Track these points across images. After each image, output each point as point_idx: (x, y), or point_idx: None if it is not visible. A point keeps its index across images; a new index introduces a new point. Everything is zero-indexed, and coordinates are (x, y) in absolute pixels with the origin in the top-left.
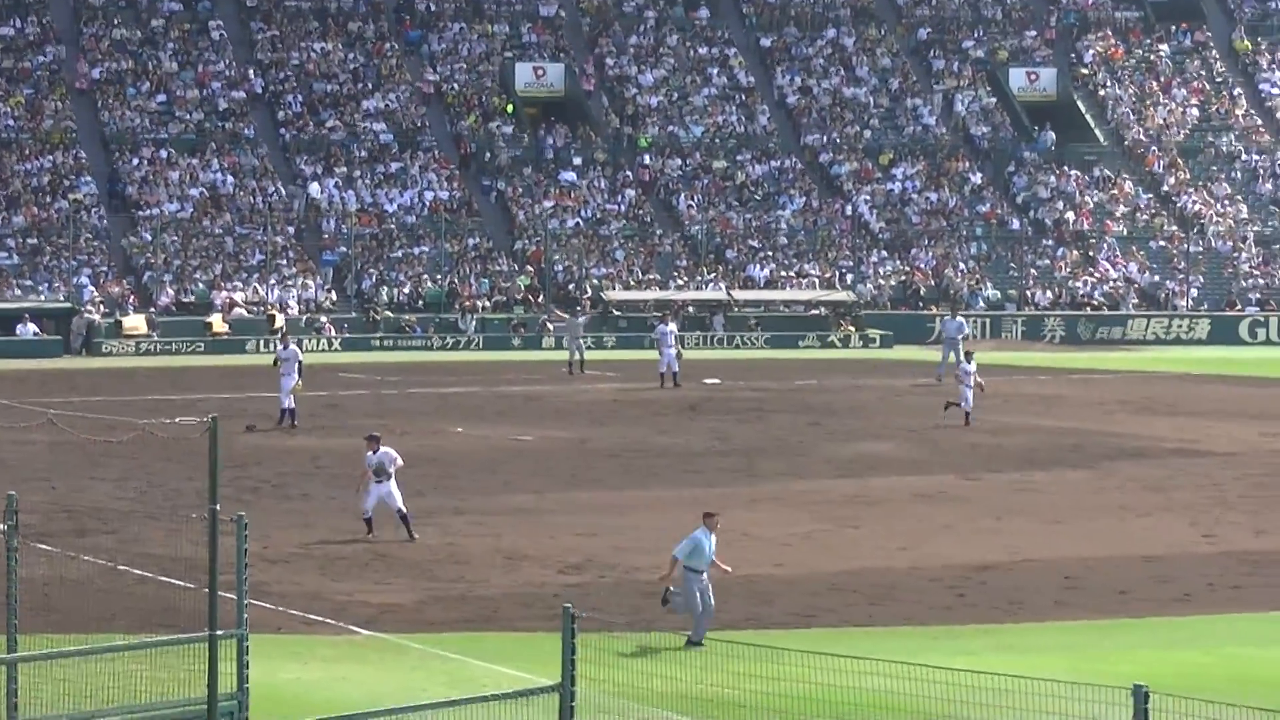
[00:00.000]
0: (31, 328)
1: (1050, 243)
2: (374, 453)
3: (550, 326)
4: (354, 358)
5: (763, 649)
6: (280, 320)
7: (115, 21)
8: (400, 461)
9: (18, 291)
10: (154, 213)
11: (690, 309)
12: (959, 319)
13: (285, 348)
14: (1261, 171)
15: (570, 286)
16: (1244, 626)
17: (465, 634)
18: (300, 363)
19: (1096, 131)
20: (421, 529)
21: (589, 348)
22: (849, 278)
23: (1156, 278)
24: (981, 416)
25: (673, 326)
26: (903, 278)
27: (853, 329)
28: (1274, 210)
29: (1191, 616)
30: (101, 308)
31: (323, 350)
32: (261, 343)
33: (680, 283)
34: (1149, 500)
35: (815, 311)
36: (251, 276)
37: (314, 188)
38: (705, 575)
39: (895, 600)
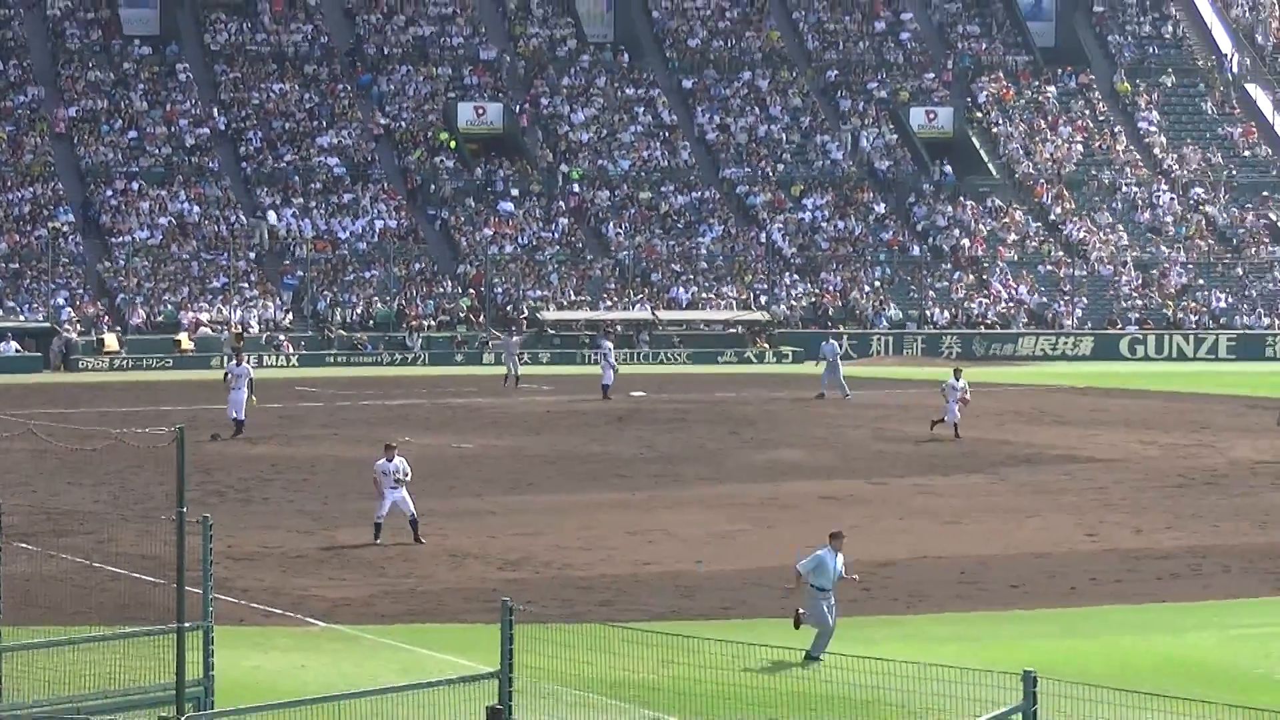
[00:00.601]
0: (13, 345)
1: (948, 267)
2: (389, 460)
3: (490, 344)
4: (310, 372)
5: (685, 639)
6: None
7: (90, 64)
8: (409, 473)
9: (1, 312)
10: (126, 240)
11: (618, 328)
12: (833, 342)
13: (238, 364)
14: (1140, 202)
15: (508, 307)
16: (1125, 617)
17: (413, 626)
18: (251, 379)
19: (989, 165)
20: (371, 530)
21: (524, 363)
22: (763, 299)
23: (1044, 299)
24: (886, 425)
25: (611, 344)
26: (813, 299)
27: (767, 346)
28: (1151, 237)
29: (1077, 608)
30: (78, 327)
31: (281, 366)
32: (224, 359)
33: (609, 304)
34: (1038, 502)
35: (733, 330)
36: (216, 298)
37: (272, 216)
38: (832, 593)
39: None
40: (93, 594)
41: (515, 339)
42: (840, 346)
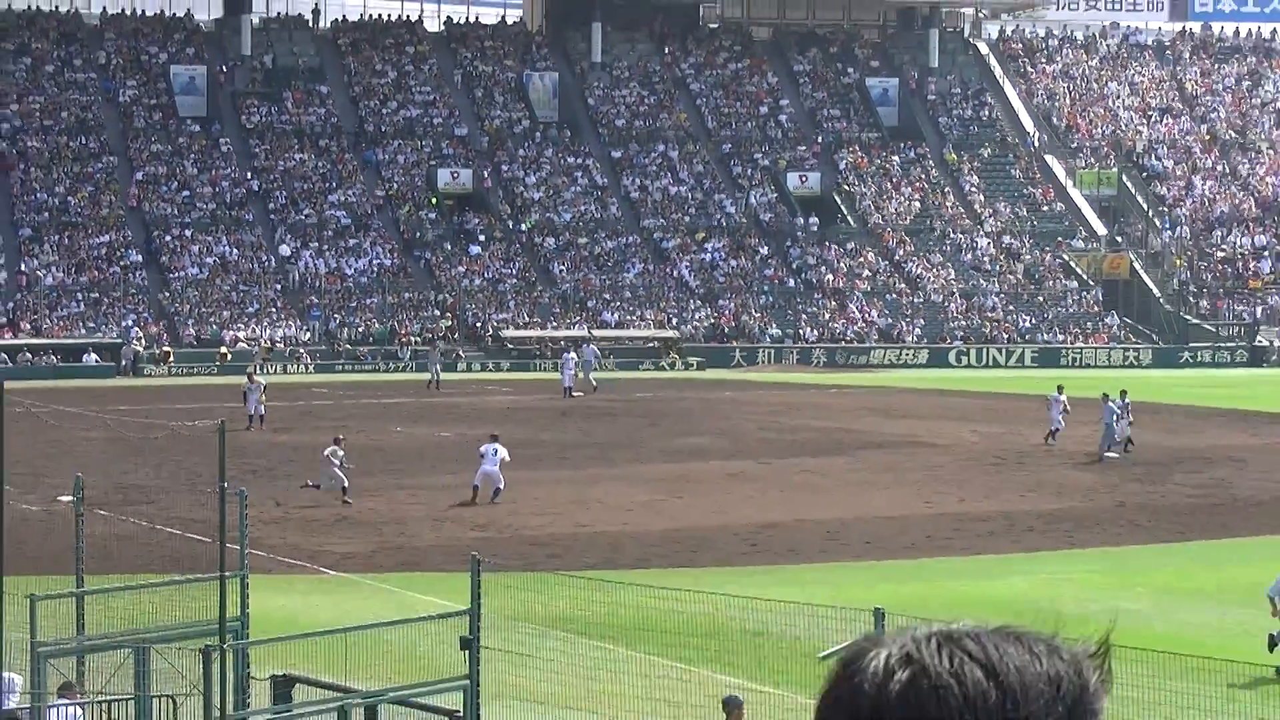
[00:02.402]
0: (93, 356)
1: (817, 296)
2: (488, 444)
3: (461, 354)
4: (323, 378)
5: (613, 584)
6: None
7: (152, 139)
8: (507, 458)
9: (83, 331)
10: (180, 275)
11: (562, 343)
12: (593, 346)
13: (251, 381)
14: (964, 246)
15: (477, 327)
16: (954, 565)
17: (403, 574)
18: (263, 386)
19: (849, 217)
20: (371, 499)
21: (442, 370)
22: (674, 320)
23: (890, 320)
24: (770, 419)
25: (574, 355)
26: (712, 321)
27: (677, 357)
28: (973, 273)
29: (917, 559)
30: (143, 342)
31: (300, 373)
32: (257, 367)
33: (555, 324)
34: (886, 478)
35: (651, 345)
36: (250, 320)
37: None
38: None
39: (708, 549)
40: (154, 550)
41: (436, 350)
42: (597, 352)
